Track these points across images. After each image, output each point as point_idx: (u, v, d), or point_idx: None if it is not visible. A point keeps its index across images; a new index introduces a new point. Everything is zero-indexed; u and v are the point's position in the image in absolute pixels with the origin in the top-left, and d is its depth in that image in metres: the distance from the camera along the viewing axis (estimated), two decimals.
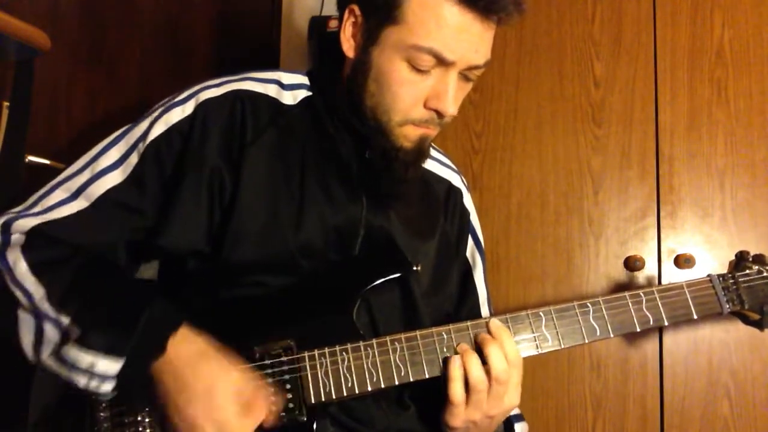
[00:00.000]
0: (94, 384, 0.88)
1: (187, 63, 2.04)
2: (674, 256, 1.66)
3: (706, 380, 1.61)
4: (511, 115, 1.78)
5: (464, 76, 1.02)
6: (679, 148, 1.68)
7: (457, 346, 0.98)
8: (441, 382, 0.98)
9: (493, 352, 0.96)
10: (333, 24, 1.75)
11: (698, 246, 1.65)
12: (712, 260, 1.65)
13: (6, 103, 1.40)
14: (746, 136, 1.66)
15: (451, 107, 1.00)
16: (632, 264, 1.66)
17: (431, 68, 0.98)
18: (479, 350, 0.97)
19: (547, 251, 1.72)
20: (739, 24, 1.69)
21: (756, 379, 1.59)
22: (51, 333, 0.90)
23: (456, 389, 0.95)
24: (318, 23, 1.83)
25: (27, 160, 1.47)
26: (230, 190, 1.01)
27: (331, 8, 1.94)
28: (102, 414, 0.93)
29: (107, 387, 0.88)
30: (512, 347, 0.98)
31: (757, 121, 1.66)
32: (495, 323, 1.00)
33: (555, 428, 1.67)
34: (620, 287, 1.69)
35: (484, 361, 0.96)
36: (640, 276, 1.68)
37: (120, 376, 0.88)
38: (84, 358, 0.87)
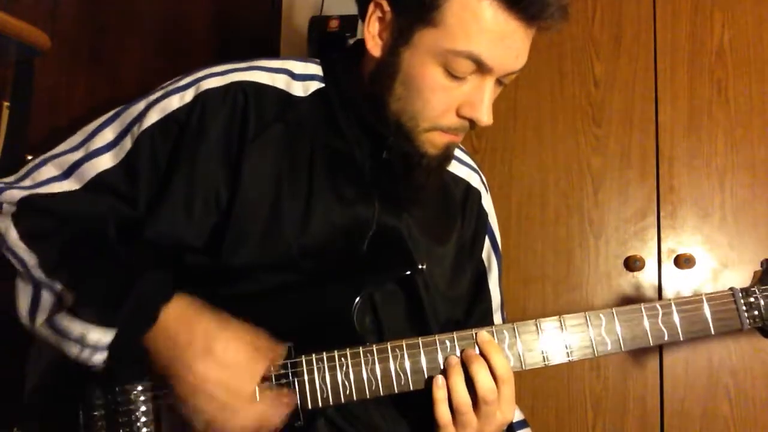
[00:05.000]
0: (86, 354, 0.87)
1: (187, 63, 2.03)
2: (674, 256, 1.65)
3: (706, 380, 1.61)
4: (511, 115, 1.78)
5: (499, 81, 0.95)
6: (679, 148, 1.68)
7: (446, 359, 0.93)
8: (426, 401, 0.93)
9: (479, 371, 0.90)
10: (333, 24, 1.75)
11: (698, 246, 1.65)
12: (712, 260, 1.65)
13: (6, 103, 1.40)
14: (746, 136, 1.66)
15: (485, 116, 0.93)
16: (632, 264, 1.66)
17: (468, 74, 0.91)
18: (466, 367, 0.92)
19: (547, 251, 1.72)
20: (739, 24, 1.69)
21: (756, 379, 1.59)
22: (47, 299, 0.89)
23: (442, 411, 0.91)
24: (318, 23, 1.83)
25: (27, 159, 1.47)
26: (228, 190, 0.97)
27: (331, 8, 1.94)
28: (95, 413, 0.92)
29: (99, 357, 0.87)
30: (501, 363, 0.91)
31: (757, 121, 1.66)
32: (482, 336, 0.93)
33: (555, 428, 1.66)
34: (620, 287, 1.69)
35: (471, 380, 0.90)
36: (640, 276, 1.68)
37: (112, 347, 0.87)
38: (75, 327, 0.86)
